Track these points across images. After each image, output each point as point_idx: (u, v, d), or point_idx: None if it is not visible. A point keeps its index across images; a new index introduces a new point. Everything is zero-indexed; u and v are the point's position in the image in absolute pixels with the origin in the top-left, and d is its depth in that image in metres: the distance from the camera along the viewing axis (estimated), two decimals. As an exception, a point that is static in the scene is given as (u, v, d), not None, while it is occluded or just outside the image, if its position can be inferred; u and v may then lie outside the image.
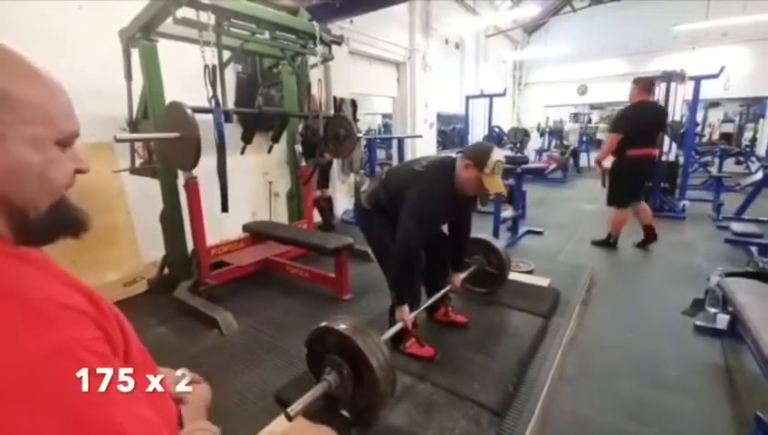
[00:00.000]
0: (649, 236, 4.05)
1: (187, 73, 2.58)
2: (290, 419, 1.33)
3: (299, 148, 3.69)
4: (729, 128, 10.72)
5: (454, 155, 2.03)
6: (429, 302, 2.19)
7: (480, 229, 3.53)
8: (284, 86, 3.71)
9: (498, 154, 1.84)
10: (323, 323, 1.54)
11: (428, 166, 1.97)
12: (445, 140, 9.34)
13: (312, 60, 3.40)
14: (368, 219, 2.13)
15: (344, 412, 1.56)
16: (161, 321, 2.63)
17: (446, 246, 2.29)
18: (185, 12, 2.37)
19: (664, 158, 5.28)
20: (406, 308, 1.93)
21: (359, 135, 4.32)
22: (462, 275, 2.38)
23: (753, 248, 3.52)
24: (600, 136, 12.00)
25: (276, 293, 3.13)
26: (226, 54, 2.85)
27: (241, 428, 1.69)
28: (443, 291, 2.25)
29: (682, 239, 4.43)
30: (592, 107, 12.76)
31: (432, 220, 1.99)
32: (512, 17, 9.90)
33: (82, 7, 2.90)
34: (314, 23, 3.09)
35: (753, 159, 7.96)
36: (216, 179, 2.61)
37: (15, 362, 0.41)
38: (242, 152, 3.51)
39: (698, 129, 8.25)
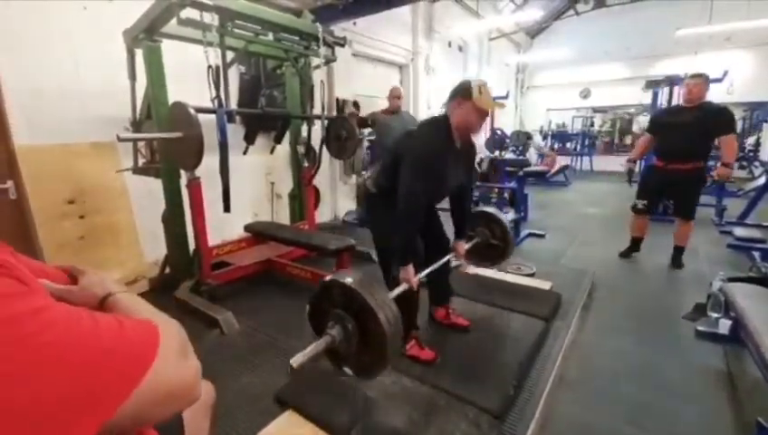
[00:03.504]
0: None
1: (190, 74, 2.59)
2: (292, 370, 1.29)
3: (301, 149, 3.70)
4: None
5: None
6: (433, 266, 2.11)
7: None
8: (287, 87, 3.72)
9: (477, 79, 1.88)
10: (328, 277, 1.49)
11: (421, 126, 2.03)
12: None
13: (315, 61, 3.42)
14: (372, 203, 2.15)
15: (347, 369, 1.50)
16: (162, 320, 2.62)
17: (444, 232, 2.30)
18: (189, 13, 2.38)
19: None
20: (411, 268, 1.88)
21: (361, 136, 4.34)
22: (466, 245, 2.35)
23: (756, 253, 3.50)
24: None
25: (277, 293, 3.14)
26: (230, 55, 2.86)
27: (240, 428, 1.69)
28: (447, 257, 2.22)
29: (684, 244, 4.40)
30: (595, 110, 12.76)
31: (435, 176, 1.89)
32: (515, 20, 9.90)
33: (87, 8, 2.92)
34: (318, 24, 3.10)
35: (757, 163, 7.93)
36: (218, 180, 2.62)
37: None
38: (244, 153, 3.52)
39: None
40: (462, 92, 1.87)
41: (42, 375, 0.37)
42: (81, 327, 0.43)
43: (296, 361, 1.28)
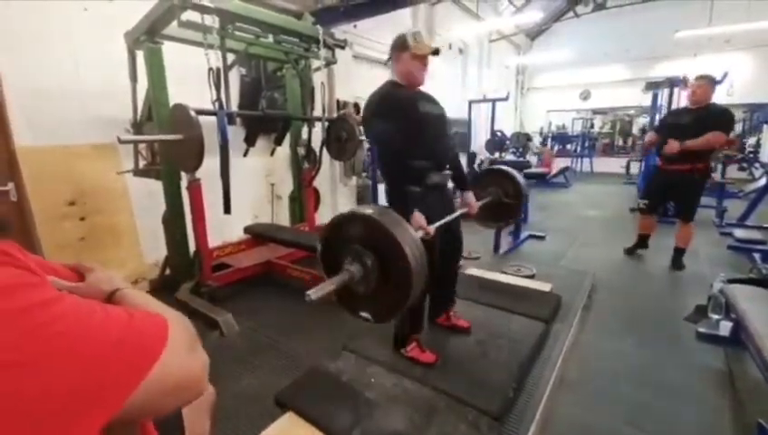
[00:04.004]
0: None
1: (191, 76, 2.60)
2: (310, 301, 1.20)
3: (301, 150, 3.70)
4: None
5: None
6: (448, 218, 1.96)
7: (481, 232, 3.54)
8: (288, 89, 3.73)
9: (410, 30, 1.90)
10: (348, 210, 1.38)
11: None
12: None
13: (315, 63, 3.42)
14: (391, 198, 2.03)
15: (365, 314, 1.40)
16: (162, 322, 2.62)
17: (460, 237, 2.21)
18: (190, 15, 2.39)
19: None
20: (418, 214, 1.75)
21: (361, 138, 4.34)
22: (478, 202, 2.27)
23: (757, 255, 3.50)
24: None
25: (277, 295, 3.14)
26: (231, 57, 2.87)
27: (241, 430, 1.69)
28: (459, 211, 2.12)
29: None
30: (595, 112, 12.78)
31: (408, 110, 1.83)
32: (515, 22, 9.92)
33: (88, 9, 2.93)
34: (318, 27, 3.11)
35: (757, 165, 7.93)
36: (218, 181, 2.62)
37: None
38: (245, 154, 3.53)
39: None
40: (398, 47, 1.89)
41: (52, 366, 0.38)
42: (92, 319, 0.43)
43: (314, 292, 1.19)
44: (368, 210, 1.31)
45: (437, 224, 1.82)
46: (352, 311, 1.42)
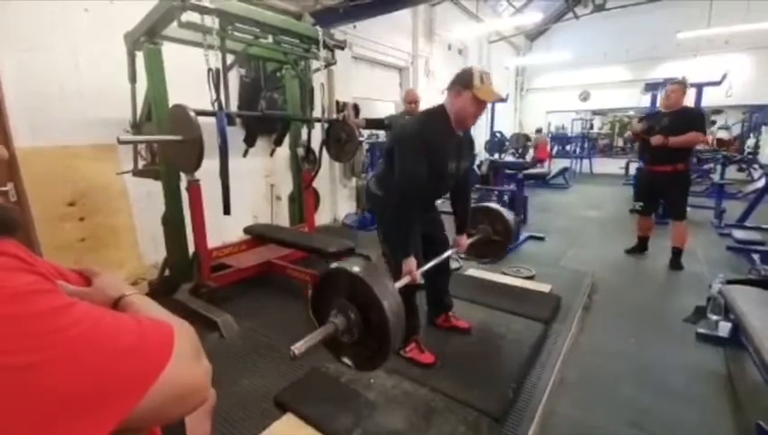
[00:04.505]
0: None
1: (191, 77, 2.60)
2: (294, 357, 1.26)
3: (301, 151, 3.70)
4: (725, 134, 10.76)
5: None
6: (436, 260, 2.04)
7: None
8: (287, 90, 3.72)
9: (478, 67, 1.83)
10: (333, 264, 1.45)
11: (416, 116, 1.96)
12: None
13: (315, 64, 3.42)
14: (378, 203, 2.10)
15: (346, 360, 1.47)
16: (161, 323, 2.61)
17: (445, 237, 2.26)
18: (189, 16, 2.39)
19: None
20: (413, 260, 1.83)
21: (360, 139, 4.34)
22: (468, 240, 2.32)
23: (755, 256, 3.51)
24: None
25: (277, 296, 3.13)
26: (230, 58, 2.87)
27: (240, 430, 1.69)
28: (449, 252, 2.19)
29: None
30: (594, 113, 12.79)
31: (432, 159, 1.82)
32: (514, 24, 9.94)
33: (88, 10, 2.93)
34: (318, 27, 3.11)
35: (756, 166, 7.94)
36: (217, 182, 2.62)
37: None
38: (244, 155, 3.53)
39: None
40: (462, 81, 1.80)
41: (63, 370, 0.38)
42: (103, 326, 0.44)
43: (298, 348, 1.26)
44: (354, 267, 1.40)
45: (424, 268, 1.91)
46: (337, 356, 1.49)
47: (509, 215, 2.58)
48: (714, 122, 10.95)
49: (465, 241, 2.29)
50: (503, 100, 1.87)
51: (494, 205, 2.68)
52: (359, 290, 1.35)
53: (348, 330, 1.36)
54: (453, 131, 1.91)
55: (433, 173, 1.84)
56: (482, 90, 1.78)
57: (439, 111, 1.90)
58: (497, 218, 2.57)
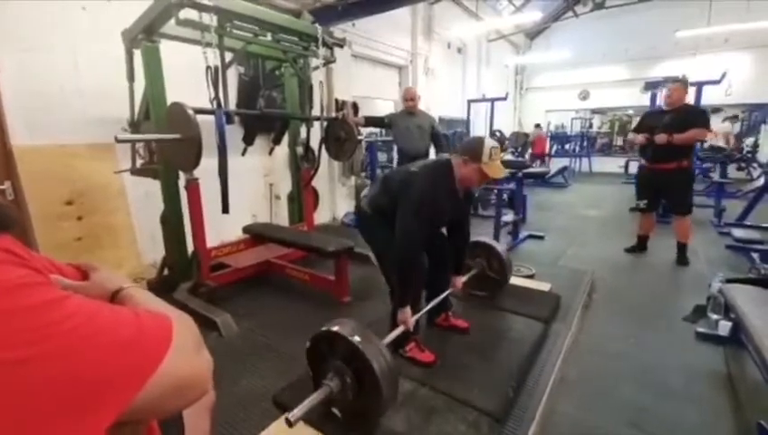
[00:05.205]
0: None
1: (189, 75, 2.59)
2: (290, 425, 1.31)
3: (300, 150, 3.69)
4: (728, 127, 10.75)
5: (446, 156, 2.04)
6: (431, 305, 2.17)
7: (481, 233, 3.53)
8: (286, 88, 3.71)
9: (490, 142, 1.87)
10: (325, 327, 1.52)
11: (423, 167, 1.99)
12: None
13: (314, 62, 3.41)
14: (369, 223, 2.12)
15: (335, 410, 1.56)
16: (160, 322, 2.61)
17: (447, 246, 2.27)
18: (187, 13, 2.37)
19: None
20: (408, 310, 1.91)
21: (359, 138, 4.33)
22: (463, 278, 2.37)
23: (755, 255, 3.51)
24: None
25: (276, 295, 3.12)
26: (229, 56, 2.86)
27: (239, 431, 1.68)
28: (444, 294, 2.23)
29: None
30: (594, 112, 12.78)
31: (433, 219, 1.93)
32: (514, 22, 9.93)
33: (86, 8, 2.92)
34: (317, 25, 3.10)
35: (755, 164, 7.95)
36: (216, 181, 2.61)
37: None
38: (243, 154, 3.52)
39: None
40: (472, 154, 1.85)
41: (59, 364, 0.38)
42: (99, 318, 0.44)
43: (294, 415, 1.31)
44: (344, 329, 1.47)
45: (417, 316, 1.97)
46: (327, 407, 1.55)
47: (503, 251, 2.69)
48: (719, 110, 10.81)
49: (461, 282, 2.33)
50: (508, 175, 1.98)
51: (488, 240, 2.75)
52: (351, 353, 1.44)
53: (342, 391, 1.47)
54: (457, 191, 1.99)
55: (431, 224, 1.95)
56: (490, 166, 1.84)
57: (447, 172, 1.95)
58: (493, 255, 2.67)
